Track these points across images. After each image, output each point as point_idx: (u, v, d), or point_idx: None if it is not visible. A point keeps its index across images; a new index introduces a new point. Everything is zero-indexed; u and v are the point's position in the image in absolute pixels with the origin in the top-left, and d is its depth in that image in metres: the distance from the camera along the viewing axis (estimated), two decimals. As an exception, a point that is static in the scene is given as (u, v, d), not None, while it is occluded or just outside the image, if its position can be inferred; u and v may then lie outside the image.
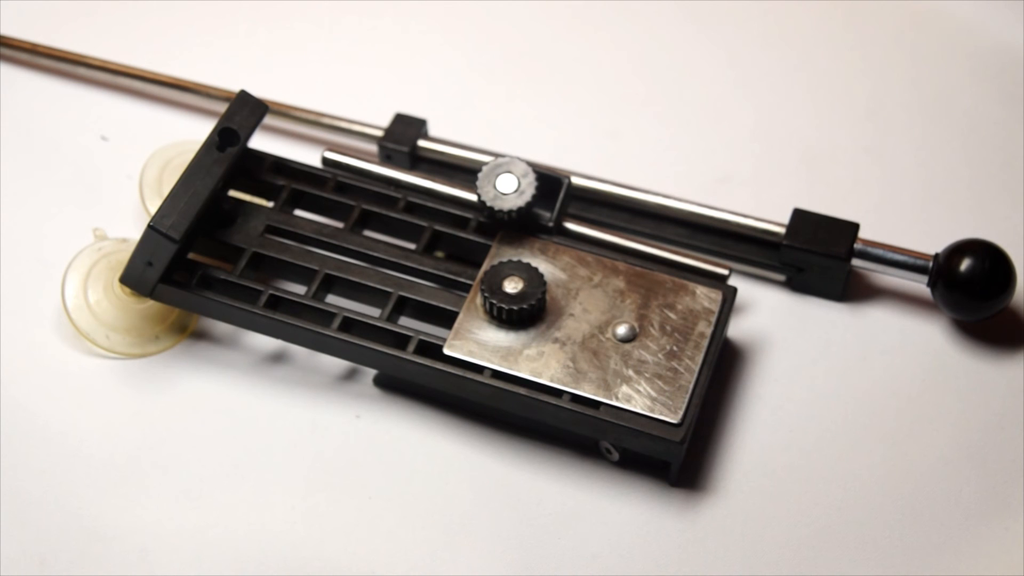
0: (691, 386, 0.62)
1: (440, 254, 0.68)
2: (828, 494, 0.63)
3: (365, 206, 0.68)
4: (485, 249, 0.67)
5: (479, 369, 0.63)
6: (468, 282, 0.66)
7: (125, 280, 0.66)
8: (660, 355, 0.63)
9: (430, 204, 0.68)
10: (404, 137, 0.74)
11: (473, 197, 0.68)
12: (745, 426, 0.65)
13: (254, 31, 0.83)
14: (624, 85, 0.80)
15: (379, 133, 0.74)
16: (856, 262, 0.68)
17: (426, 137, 0.74)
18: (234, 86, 0.77)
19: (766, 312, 0.69)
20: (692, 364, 0.63)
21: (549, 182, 0.67)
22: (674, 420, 0.61)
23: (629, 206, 0.72)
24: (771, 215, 0.71)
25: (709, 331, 0.64)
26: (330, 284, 0.66)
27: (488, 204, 0.66)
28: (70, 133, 0.78)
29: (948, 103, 0.79)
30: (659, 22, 0.84)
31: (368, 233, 0.69)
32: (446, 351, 0.63)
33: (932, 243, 0.70)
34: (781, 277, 0.70)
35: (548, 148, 0.76)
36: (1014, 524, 0.62)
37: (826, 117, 0.78)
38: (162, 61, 0.80)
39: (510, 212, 0.66)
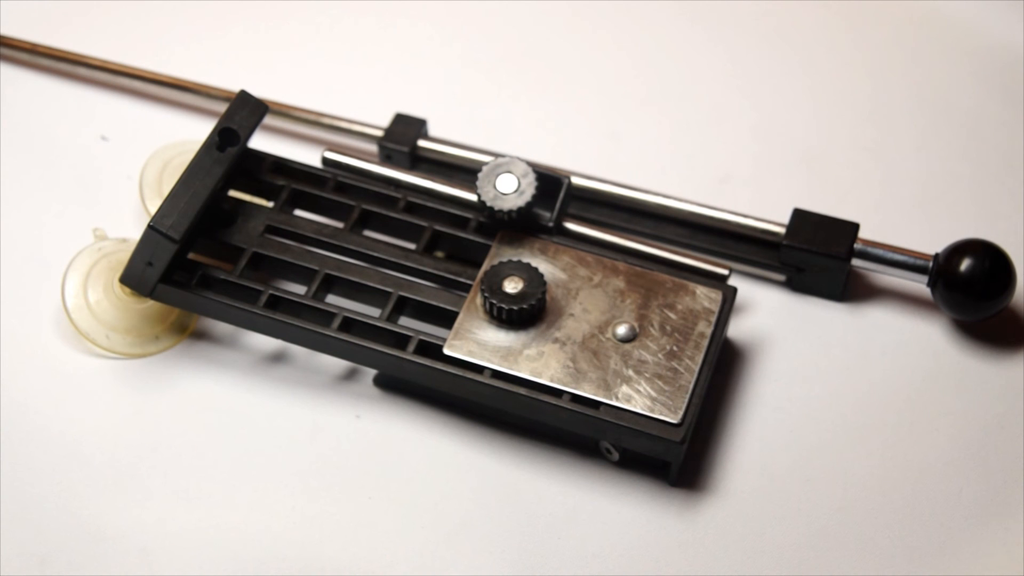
0: (691, 386, 0.62)
1: (440, 254, 0.68)
2: (828, 494, 0.63)
3: (365, 206, 0.68)
4: (485, 249, 0.67)
5: (479, 369, 0.63)
6: (468, 282, 0.66)
7: (125, 280, 0.66)
8: (660, 355, 0.63)
9: (430, 204, 0.68)
10: (404, 137, 0.74)
11: (473, 197, 0.68)
12: (745, 426, 0.65)
13: (254, 31, 0.83)
14: (624, 85, 0.80)
15: (379, 133, 0.74)
16: (856, 262, 0.68)
17: (426, 137, 0.74)
18: (234, 86, 0.77)
19: (766, 312, 0.69)
20: (692, 364, 0.63)
21: (549, 182, 0.67)
22: (674, 420, 0.61)
23: (629, 206, 0.72)
24: (771, 215, 0.71)
25: (709, 331, 0.64)
26: (330, 284, 0.66)
27: (488, 204, 0.66)
28: (70, 133, 0.78)
29: (948, 103, 0.79)
30: (659, 22, 0.84)
31: (368, 233, 0.69)
32: (446, 351, 0.63)
33: (932, 243, 0.70)
34: (781, 277, 0.70)
35: (548, 148, 0.76)
36: (1014, 524, 0.62)
37: (826, 117, 0.78)
38: (162, 61, 0.80)
39: (510, 212, 0.66)
